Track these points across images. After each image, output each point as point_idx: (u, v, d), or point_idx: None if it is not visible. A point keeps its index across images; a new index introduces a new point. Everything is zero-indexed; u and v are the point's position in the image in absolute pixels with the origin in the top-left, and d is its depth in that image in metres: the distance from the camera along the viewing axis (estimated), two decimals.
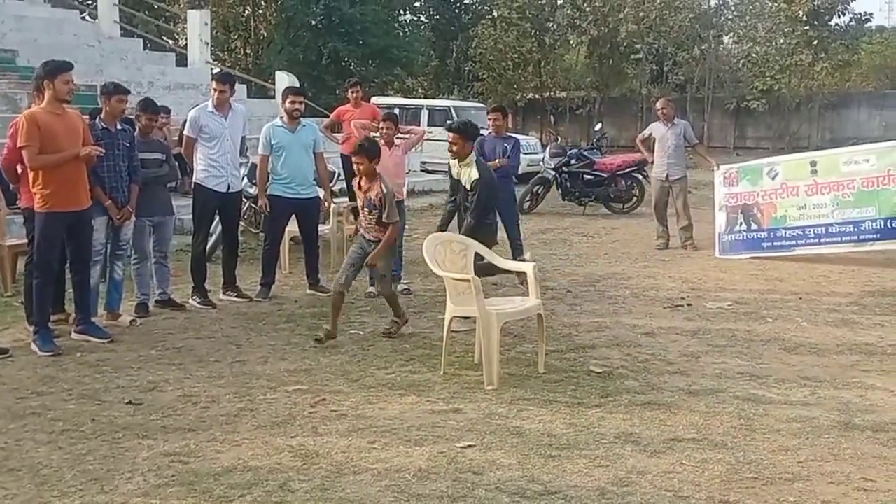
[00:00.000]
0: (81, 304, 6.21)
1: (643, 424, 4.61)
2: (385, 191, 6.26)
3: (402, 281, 7.89)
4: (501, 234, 8.48)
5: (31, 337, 5.97)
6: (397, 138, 8.07)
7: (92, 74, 13.22)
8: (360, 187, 6.48)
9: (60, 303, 6.58)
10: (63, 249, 6.09)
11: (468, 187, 6.46)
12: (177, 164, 7.54)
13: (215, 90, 7.34)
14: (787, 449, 4.30)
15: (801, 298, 7.86)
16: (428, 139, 9.22)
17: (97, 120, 6.44)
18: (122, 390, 5.11)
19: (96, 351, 5.94)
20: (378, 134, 7.83)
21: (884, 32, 35.40)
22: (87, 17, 20.44)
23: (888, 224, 9.20)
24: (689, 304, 7.58)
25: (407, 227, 8.26)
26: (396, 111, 9.35)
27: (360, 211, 6.50)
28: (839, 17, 27.01)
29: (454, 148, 6.46)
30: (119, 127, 6.59)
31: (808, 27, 26.08)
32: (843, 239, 9.47)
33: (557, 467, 4.04)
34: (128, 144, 6.61)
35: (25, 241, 6.61)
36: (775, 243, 9.84)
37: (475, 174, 6.41)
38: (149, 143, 7.00)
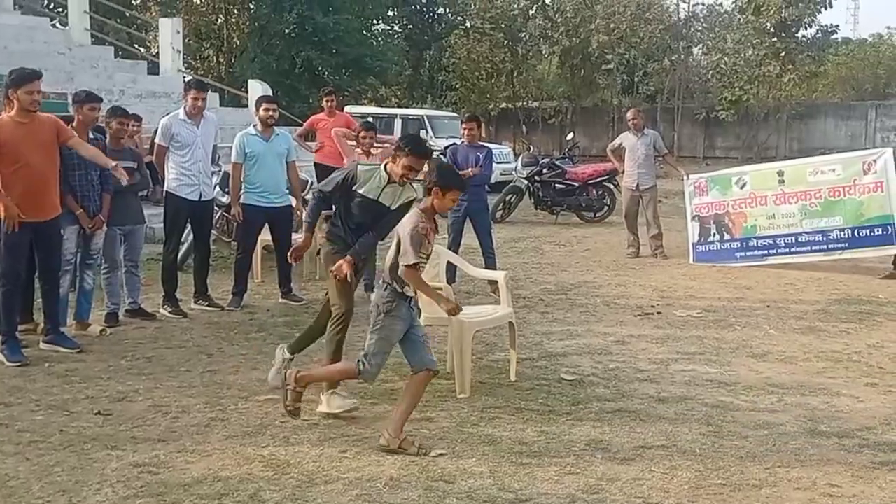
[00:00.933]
0: (50, 313, 6.15)
1: (613, 432, 4.66)
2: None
3: (375, 290, 7.88)
4: (474, 242, 8.55)
5: None
6: (374, 148, 8.12)
7: (63, 82, 13.09)
8: None
9: (29, 312, 6.51)
10: (31, 258, 6.02)
11: (392, 204, 5.21)
12: (148, 172, 7.50)
13: (194, 98, 7.29)
14: (755, 455, 4.36)
15: (768, 306, 7.97)
16: None
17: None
18: (91, 401, 5.07)
19: (65, 361, 5.88)
20: (355, 142, 7.89)
21: (849, 44, 35.97)
22: (58, 25, 20.23)
23: (855, 233, 9.37)
24: (659, 313, 7.66)
25: None
26: (370, 119, 9.38)
27: None
28: (806, 29, 27.41)
29: (415, 170, 5.04)
30: (91, 136, 6.55)
31: (775, 39, 26.44)
32: (813, 248, 9.64)
33: (528, 475, 4.07)
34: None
35: None
36: (748, 253, 9.98)
37: (413, 194, 5.26)
38: (120, 151, 6.95)
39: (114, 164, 6.14)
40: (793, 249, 9.74)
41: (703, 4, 30.28)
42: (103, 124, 7.12)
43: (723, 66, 27.71)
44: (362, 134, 8.10)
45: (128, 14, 24.47)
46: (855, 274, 9.49)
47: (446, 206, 4.68)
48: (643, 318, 7.46)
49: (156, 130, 8.09)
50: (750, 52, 26.97)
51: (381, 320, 4.50)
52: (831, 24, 28.61)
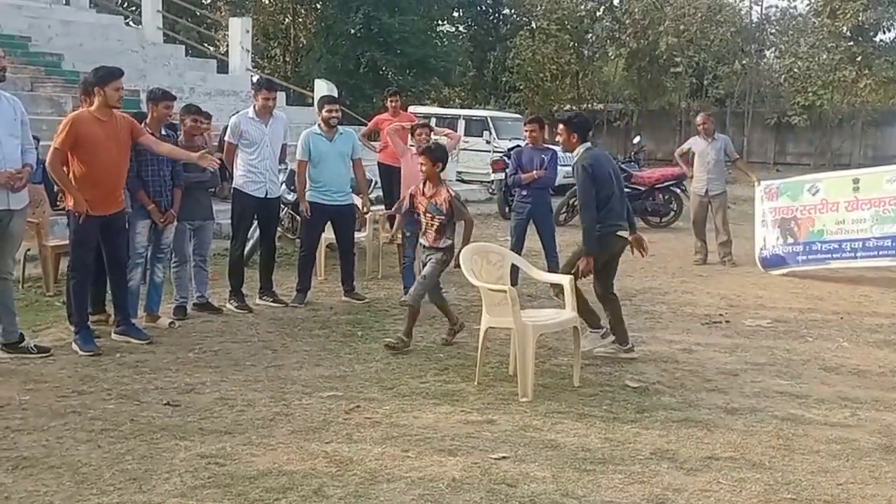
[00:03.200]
0: (120, 305, 6.30)
1: (679, 441, 4.56)
2: (452, 194, 6.37)
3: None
4: (537, 245, 8.49)
5: (72, 336, 6.07)
6: (435, 135, 8.16)
7: (135, 80, 13.45)
8: (423, 193, 6.52)
9: (101, 303, 6.68)
10: (100, 251, 6.17)
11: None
12: (217, 169, 7.62)
13: (265, 98, 7.38)
14: (827, 471, 4.23)
15: (842, 318, 7.73)
16: (464, 149, 9.24)
17: (142, 125, 6.52)
18: (161, 391, 5.17)
19: (135, 352, 6.01)
20: (411, 134, 7.97)
21: None
22: (131, 23, 20.79)
23: None
24: (727, 321, 7.49)
25: None
26: (433, 121, 9.39)
27: (423, 216, 6.51)
28: (884, 33, 26.64)
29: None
30: (163, 132, 6.69)
31: (851, 43, 25.74)
32: (881, 253, 9.30)
33: (592, 482, 4.01)
34: None
35: (68, 241, 6.72)
36: (810, 256, 9.70)
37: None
38: (193, 148, 7.08)
39: (197, 154, 6.26)
40: (859, 254, 9.42)
41: (777, 7, 29.75)
42: (177, 121, 7.27)
43: (796, 70, 27.07)
44: (417, 131, 8.10)
45: (198, 13, 25.05)
46: None
47: None
48: (710, 327, 7.31)
49: (225, 128, 8.23)
50: (824, 57, 26.29)
51: None
52: None
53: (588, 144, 6.23)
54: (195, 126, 7.12)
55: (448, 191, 6.42)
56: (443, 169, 6.54)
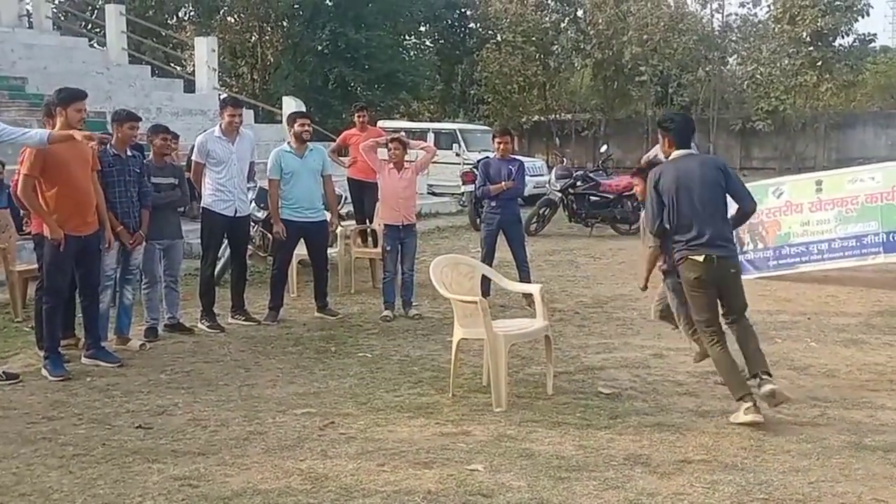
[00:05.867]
0: (91, 328, 6.24)
1: (653, 446, 4.60)
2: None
3: (413, 306, 7.92)
4: (508, 255, 8.53)
5: (41, 362, 6.00)
6: (410, 149, 8.21)
7: (101, 101, 13.37)
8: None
9: (70, 327, 6.61)
10: (73, 274, 6.12)
11: None
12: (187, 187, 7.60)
13: (231, 115, 7.39)
14: (798, 470, 4.28)
15: (809, 318, 7.84)
16: (434, 162, 9.26)
17: (108, 146, 6.49)
18: (132, 414, 5.13)
19: (106, 375, 5.96)
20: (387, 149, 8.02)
21: (888, 53, 35.47)
22: (96, 45, 20.66)
23: (891, 237, 9.20)
24: None
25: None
26: (403, 134, 9.40)
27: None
28: (843, 37, 27.12)
29: None
30: (129, 153, 6.66)
31: (812, 48, 26.19)
32: (846, 254, 9.46)
33: (567, 489, 4.03)
34: (138, 170, 6.67)
35: (36, 266, 6.65)
36: (780, 261, 9.83)
37: None
38: (162, 168, 7.06)
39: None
40: (825, 256, 9.57)
41: (738, 15, 30.07)
42: (144, 142, 7.24)
43: (758, 76, 27.49)
44: (391, 145, 8.10)
45: (164, 34, 24.93)
46: None
47: None
48: (681, 332, 7.36)
49: (192, 147, 8.20)
50: (786, 62, 26.73)
51: None
52: (869, 33, 28.36)
53: (683, 152, 5.47)
54: (165, 145, 7.10)
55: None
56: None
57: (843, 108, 28.52)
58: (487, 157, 8.97)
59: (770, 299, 8.77)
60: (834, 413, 5.18)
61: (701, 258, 5.08)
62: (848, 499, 3.96)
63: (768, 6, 27.90)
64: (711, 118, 28.59)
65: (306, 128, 7.72)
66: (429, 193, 18.11)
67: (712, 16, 30.30)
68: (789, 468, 4.30)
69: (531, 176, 14.49)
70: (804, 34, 26.00)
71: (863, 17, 26.02)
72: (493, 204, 8.40)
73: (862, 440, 4.69)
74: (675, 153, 5.42)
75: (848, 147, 27.73)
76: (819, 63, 26.18)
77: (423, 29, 32.81)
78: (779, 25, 27.07)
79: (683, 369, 6.13)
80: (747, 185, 10.60)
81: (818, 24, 25.54)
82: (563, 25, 30.01)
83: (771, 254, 9.91)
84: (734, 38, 30.34)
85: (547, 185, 16.08)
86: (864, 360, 6.39)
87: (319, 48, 26.92)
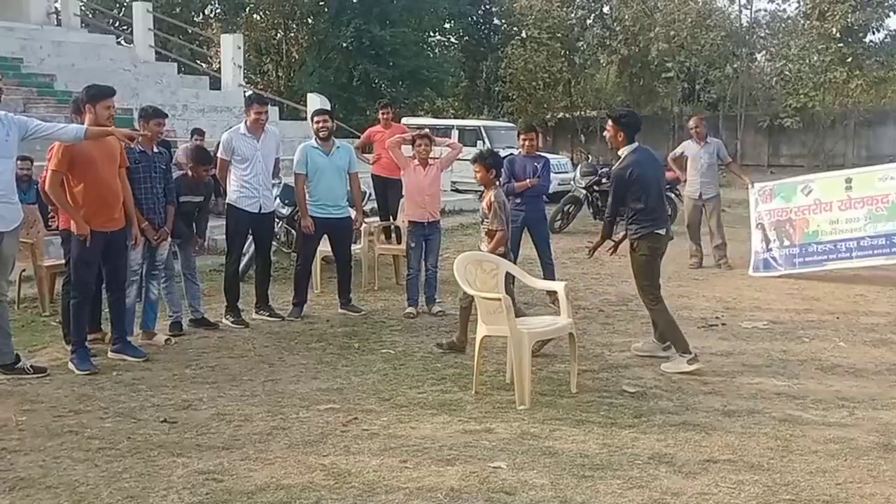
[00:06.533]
0: (117, 323, 6.30)
1: (678, 445, 4.56)
2: (493, 200, 6.36)
3: (437, 302, 7.92)
4: (532, 252, 8.49)
5: (68, 356, 6.06)
6: (436, 146, 8.19)
7: (128, 98, 13.46)
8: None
9: (97, 322, 6.68)
10: (99, 269, 6.18)
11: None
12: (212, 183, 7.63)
13: (257, 113, 7.40)
14: (825, 471, 4.23)
15: (837, 318, 7.74)
16: (459, 159, 9.25)
17: (135, 143, 6.52)
18: (157, 408, 5.16)
19: (132, 370, 6.01)
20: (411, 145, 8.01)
21: None
22: (123, 42, 20.87)
23: None
24: (723, 324, 7.51)
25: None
26: (428, 131, 9.37)
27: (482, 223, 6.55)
28: (873, 33, 26.72)
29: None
30: (156, 150, 6.71)
31: (841, 44, 25.81)
32: (876, 252, 9.33)
33: (591, 488, 4.01)
34: (164, 167, 6.73)
35: (63, 261, 6.72)
36: (807, 259, 9.72)
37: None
38: (195, 187, 7.09)
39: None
40: (854, 254, 9.44)
41: (766, 11, 29.79)
42: (181, 162, 7.21)
43: (787, 72, 27.15)
44: (417, 142, 8.09)
45: (190, 31, 25.10)
46: None
47: None
48: (707, 330, 7.32)
49: (218, 144, 8.25)
50: (815, 58, 26.36)
51: None
52: None
53: (635, 145, 6.22)
54: (203, 174, 7.12)
55: (493, 196, 6.40)
56: (497, 176, 6.63)
57: (874, 105, 28.09)
58: (512, 154, 8.93)
59: (798, 298, 8.67)
60: (862, 413, 5.11)
61: (663, 232, 6.23)
62: (876, 500, 3.90)
63: (797, 2, 27.59)
64: (739, 115, 28.29)
65: (322, 124, 7.74)
66: (452, 190, 18.08)
67: (740, 12, 29.99)
68: (816, 469, 4.25)
69: (556, 173, 14.42)
70: (834, 30, 25.62)
71: (894, 12, 25.62)
72: (518, 201, 8.35)
73: (891, 441, 4.63)
74: (629, 147, 6.22)
75: (878, 144, 27.30)
76: (849, 59, 25.80)
77: (447, 25, 32.75)
78: (808, 21, 26.71)
79: (709, 368, 6.07)
80: (775, 182, 10.63)
81: (848, 19, 25.17)
82: (588, 21, 29.86)
83: (797, 251, 9.81)
84: (762, 35, 30.00)
85: (572, 183, 15.99)
86: (894, 360, 6.30)
87: (344, 45, 26.97)
